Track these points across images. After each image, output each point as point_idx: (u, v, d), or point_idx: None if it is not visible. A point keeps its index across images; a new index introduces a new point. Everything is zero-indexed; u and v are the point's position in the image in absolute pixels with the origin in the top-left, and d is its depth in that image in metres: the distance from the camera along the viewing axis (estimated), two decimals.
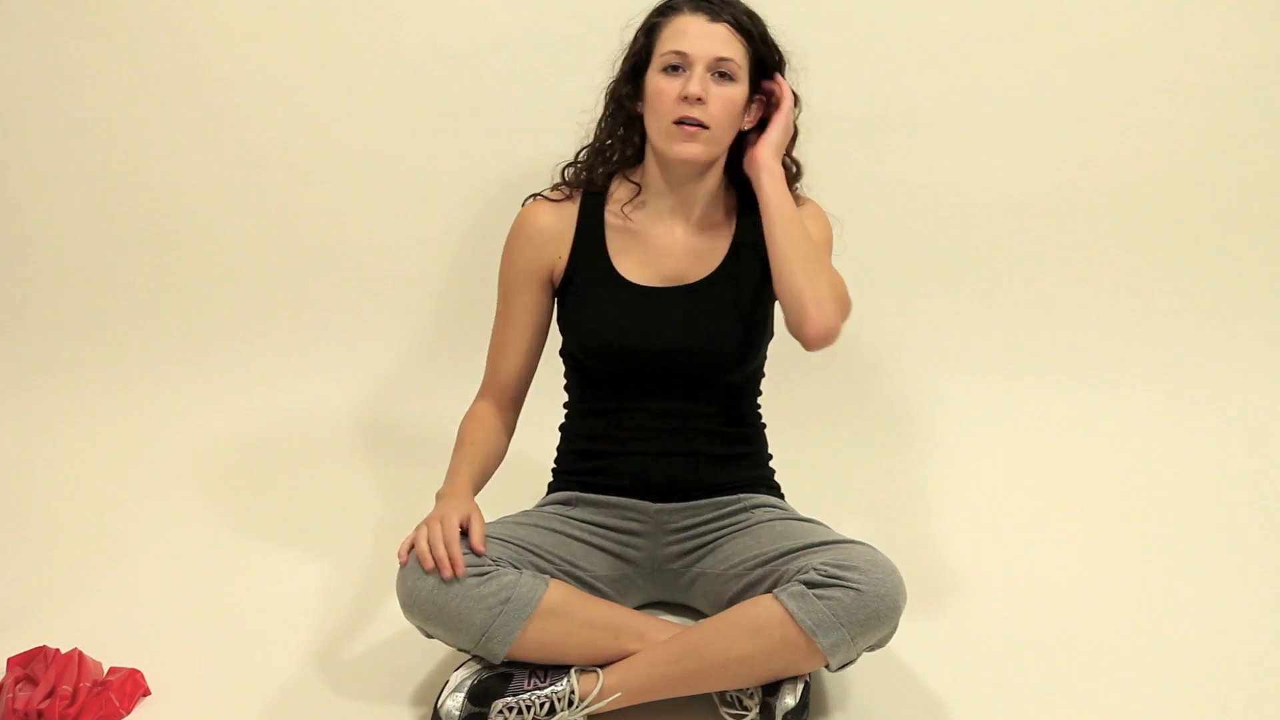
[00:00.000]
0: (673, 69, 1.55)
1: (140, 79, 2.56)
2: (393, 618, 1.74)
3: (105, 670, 1.56)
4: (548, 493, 1.75)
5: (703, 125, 1.54)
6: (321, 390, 2.61)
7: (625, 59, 1.64)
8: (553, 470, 1.77)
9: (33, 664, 1.54)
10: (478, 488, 1.63)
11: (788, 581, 1.43)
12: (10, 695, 1.47)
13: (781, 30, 1.66)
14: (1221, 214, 2.68)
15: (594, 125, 1.70)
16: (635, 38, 1.62)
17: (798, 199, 1.68)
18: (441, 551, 1.43)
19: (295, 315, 2.66)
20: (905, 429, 2.41)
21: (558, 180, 1.72)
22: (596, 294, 1.64)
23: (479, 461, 1.64)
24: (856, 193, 2.63)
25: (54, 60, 2.56)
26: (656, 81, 1.56)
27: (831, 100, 2.54)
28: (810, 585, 1.40)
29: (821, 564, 1.41)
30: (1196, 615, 1.74)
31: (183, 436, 2.49)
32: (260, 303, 2.67)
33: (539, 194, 1.71)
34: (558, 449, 1.77)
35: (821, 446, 2.27)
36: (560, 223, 1.66)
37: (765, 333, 1.71)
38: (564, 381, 1.77)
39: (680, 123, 1.54)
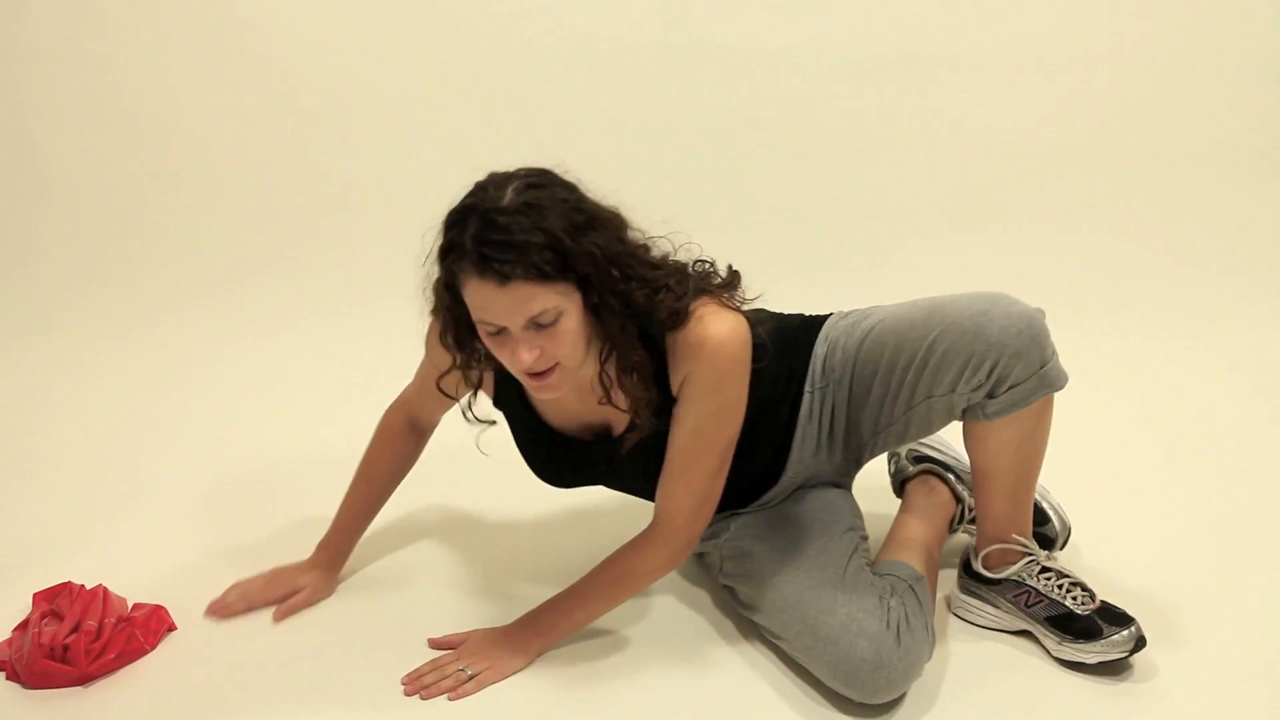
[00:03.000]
0: (494, 333, 1.34)
1: (159, 20, 2.54)
2: (413, 550, 1.79)
3: (130, 606, 1.58)
4: None
5: (551, 369, 1.36)
6: (337, 329, 2.61)
7: (444, 311, 1.41)
8: None
9: (58, 599, 1.56)
10: (355, 541, 1.72)
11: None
12: (36, 630, 1.49)
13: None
14: (1245, 157, 2.64)
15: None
16: (440, 289, 1.39)
17: (687, 315, 1.39)
18: (238, 608, 1.61)
19: (312, 255, 2.66)
20: None
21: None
22: (527, 436, 1.58)
23: (366, 511, 1.72)
24: (877, 133, 2.61)
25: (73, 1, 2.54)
26: (487, 340, 1.37)
27: (851, 42, 2.51)
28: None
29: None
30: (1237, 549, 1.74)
31: (205, 372, 2.50)
32: (277, 243, 2.67)
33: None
34: None
35: None
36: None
37: None
38: None
39: (530, 374, 1.37)
